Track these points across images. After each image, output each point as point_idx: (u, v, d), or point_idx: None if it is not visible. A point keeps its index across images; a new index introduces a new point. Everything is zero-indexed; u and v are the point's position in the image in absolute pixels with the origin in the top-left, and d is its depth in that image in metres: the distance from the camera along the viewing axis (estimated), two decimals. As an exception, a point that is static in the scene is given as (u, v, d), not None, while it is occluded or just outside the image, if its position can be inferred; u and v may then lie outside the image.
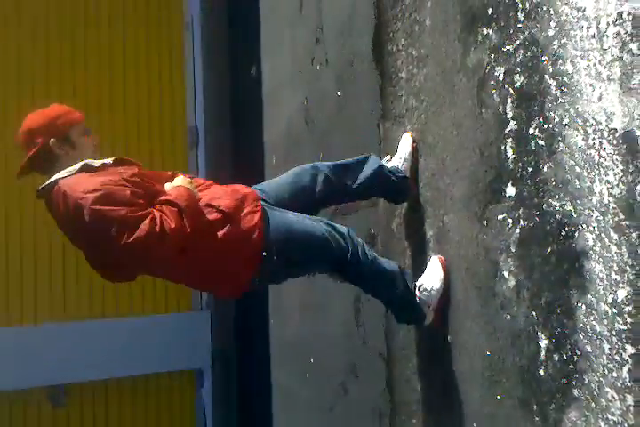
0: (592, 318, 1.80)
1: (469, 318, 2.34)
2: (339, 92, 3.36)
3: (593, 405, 1.79)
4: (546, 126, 1.96)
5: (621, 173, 1.69)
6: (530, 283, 2.04)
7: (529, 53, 2.04)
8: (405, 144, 2.68)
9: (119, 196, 1.97)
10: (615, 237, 1.72)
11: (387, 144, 2.92)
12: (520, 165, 2.09)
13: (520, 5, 2.07)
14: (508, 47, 2.14)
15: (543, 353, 1.98)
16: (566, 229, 1.89)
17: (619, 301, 1.71)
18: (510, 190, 2.14)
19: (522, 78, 2.07)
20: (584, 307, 1.82)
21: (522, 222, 2.08)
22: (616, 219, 1.72)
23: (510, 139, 2.14)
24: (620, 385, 1.71)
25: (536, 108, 2.01)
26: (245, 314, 4.38)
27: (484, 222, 2.26)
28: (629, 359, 1.68)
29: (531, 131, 2.03)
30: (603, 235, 1.76)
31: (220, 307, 4.56)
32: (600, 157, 1.76)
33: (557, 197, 1.92)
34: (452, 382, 2.45)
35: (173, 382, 4.57)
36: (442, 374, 2.50)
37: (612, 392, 1.74)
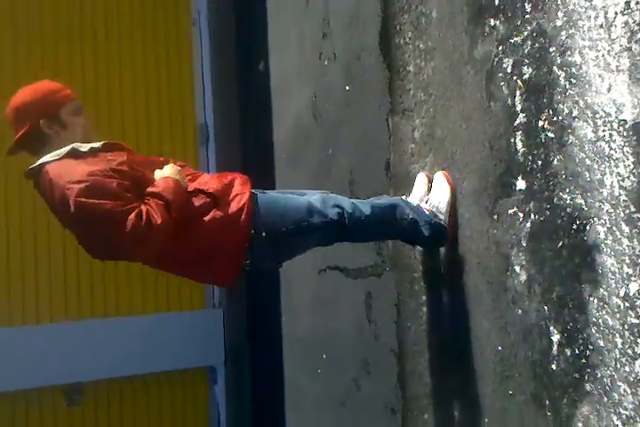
0: (604, 312, 1.78)
1: (481, 313, 2.32)
2: (347, 87, 3.34)
3: (605, 399, 1.77)
4: (555, 119, 1.94)
5: (632, 166, 1.67)
6: (541, 277, 2.02)
7: (537, 44, 2.01)
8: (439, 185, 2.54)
9: (106, 188, 1.92)
10: (627, 229, 1.70)
11: (396, 138, 2.90)
12: (530, 158, 2.06)
13: (527, -4, 2.04)
14: (515, 38, 2.11)
15: (555, 348, 1.96)
16: (577, 222, 1.87)
17: (631, 294, 1.69)
18: (521, 184, 2.11)
19: (530, 70, 2.05)
20: (596, 301, 1.80)
21: (533, 216, 2.06)
22: (627, 211, 1.69)
23: (520, 132, 2.11)
24: (632, 379, 1.69)
25: (545, 100, 1.98)
26: (258, 311, 4.39)
27: (495, 217, 2.24)
28: (642, 354, 1.66)
29: (540, 123, 2.01)
30: (614, 228, 1.74)
31: (232, 304, 4.57)
32: (610, 149, 1.74)
33: (568, 190, 1.90)
34: (464, 378, 2.43)
35: (187, 380, 4.59)
36: (453, 370, 2.49)
37: (624, 386, 1.72)
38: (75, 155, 2.05)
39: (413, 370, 2.75)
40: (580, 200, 1.86)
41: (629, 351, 1.70)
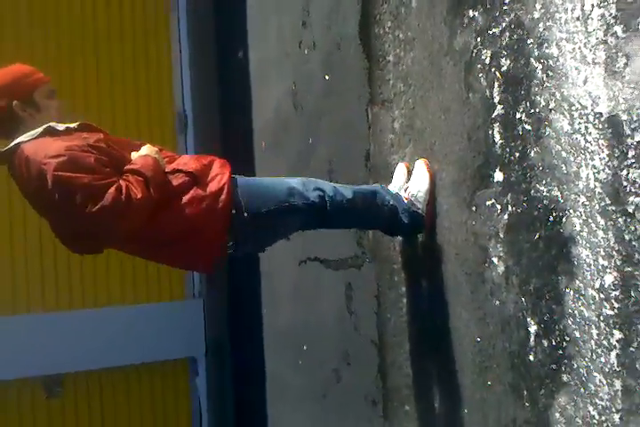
0: (580, 304, 1.79)
1: (460, 305, 2.33)
2: (327, 76, 3.32)
3: (582, 390, 1.79)
4: (532, 111, 1.94)
5: (607, 158, 1.67)
6: (519, 269, 2.03)
7: (515, 36, 2.00)
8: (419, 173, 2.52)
9: (83, 162, 1.89)
10: (602, 222, 1.71)
11: (375, 129, 2.89)
12: (507, 150, 2.06)
13: (505, -13, 2.03)
14: (494, 30, 2.11)
15: (532, 339, 1.97)
16: (554, 214, 1.87)
17: (606, 286, 1.70)
18: (498, 176, 2.12)
19: (508, 62, 2.04)
20: (572, 292, 1.82)
21: (510, 208, 2.07)
22: (602, 204, 1.70)
23: (497, 123, 2.11)
24: (608, 370, 1.71)
25: (522, 92, 1.98)
26: (238, 302, 4.38)
27: (473, 208, 2.25)
28: (617, 344, 1.68)
29: (517, 115, 2.01)
30: (589, 220, 1.75)
31: (212, 295, 4.56)
32: (586, 141, 1.74)
33: (544, 182, 1.91)
34: (444, 369, 2.45)
35: (167, 371, 4.57)
36: (433, 361, 2.51)
37: (600, 377, 1.73)
38: (51, 133, 2.03)
39: (394, 361, 2.77)
40: (556, 192, 1.86)
41: (605, 342, 1.72)
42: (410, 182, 2.51)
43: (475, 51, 2.20)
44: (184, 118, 4.92)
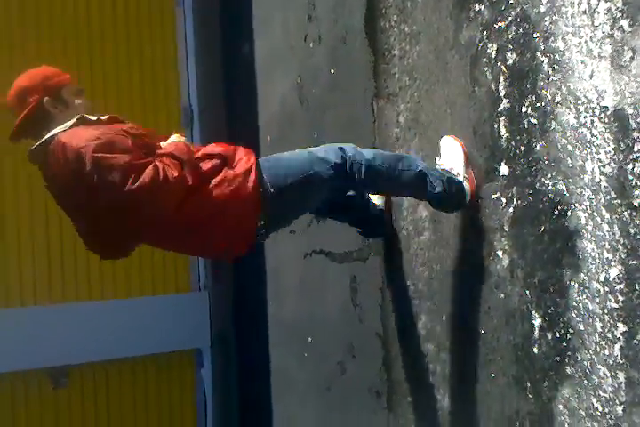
0: (585, 297, 1.80)
1: (464, 297, 2.34)
2: (332, 70, 3.33)
3: (585, 382, 1.81)
4: (538, 104, 1.95)
5: (612, 152, 1.68)
6: (523, 262, 2.04)
7: (521, 30, 2.01)
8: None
9: (121, 144, 1.95)
10: (607, 215, 1.72)
11: (380, 123, 2.90)
12: (513, 143, 2.07)
13: (511, -19, 2.03)
14: (500, 24, 2.11)
15: (537, 331, 1.99)
16: (559, 207, 1.88)
17: (610, 279, 1.71)
18: (504, 169, 2.13)
19: (514, 56, 2.05)
20: (577, 285, 1.83)
21: (515, 201, 2.08)
22: (608, 197, 1.71)
23: (503, 117, 2.12)
24: (612, 363, 1.72)
25: (528, 85, 1.99)
26: (244, 295, 4.40)
27: (478, 202, 2.25)
28: (621, 337, 1.69)
29: (523, 109, 2.02)
30: (595, 213, 1.76)
31: (218, 288, 4.58)
32: (592, 135, 1.75)
33: (550, 175, 1.91)
34: (447, 361, 2.47)
35: (173, 363, 4.60)
36: (437, 353, 2.52)
37: (604, 369, 1.75)
38: (84, 122, 2.08)
39: (398, 354, 2.78)
40: (561, 186, 1.87)
41: (609, 335, 1.73)
42: (441, 159, 2.36)
43: (480, 44, 2.21)
44: (190, 113, 4.93)
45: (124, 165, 1.91)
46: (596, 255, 1.76)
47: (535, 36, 1.94)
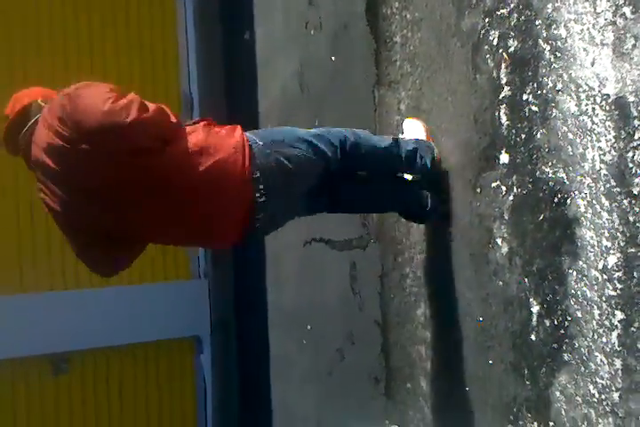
0: (583, 284, 1.81)
1: (463, 285, 2.35)
2: (333, 58, 3.32)
3: (582, 369, 1.82)
4: (539, 92, 1.94)
5: (613, 140, 1.68)
6: (522, 250, 2.05)
7: (523, 17, 2.00)
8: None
9: (97, 86, 1.97)
10: (606, 203, 1.72)
11: (381, 110, 2.90)
12: (514, 131, 2.07)
13: (514, -33, 2.02)
14: (502, 11, 2.10)
15: (535, 319, 2.00)
16: (558, 195, 1.89)
17: (609, 267, 1.72)
18: (504, 157, 2.13)
19: (516, 43, 2.04)
20: (575, 273, 1.83)
21: (515, 190, 2.08)
22: (607, 186, 1.71)
23: (504, 105, 2.11)
24: (609, 350, 1.73)
25: (530, 73, 1.98)
26: (243, 282, 4.41)
27: (478, 190, 2.26)
28: (618, 325, 1.70)
29: (525, 97, 2.01)
30: (594, 202, 1.76)
31: (218, 275, 4.59)
32: (592, 123, 1.75)
33: (550, 163, 1.91)
34: (446, 348, 2.48)
35: (173, 350, 4.62)
36: (435, 341, 2.53)
37: (601, 357, 1.76)
38: None
39: (396, 341, 2.80)
40: (561, 174, 1.87)
41: (607, 322, 1.74)
42: (405, 134, 2.51)
43: (482, 32, 2.20)
44: (190, 99, 4.91)
45: (105, 89, 1.93)
46: (595, 243, 1.76)
47: (537, 23, 1.94)
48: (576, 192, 1.82)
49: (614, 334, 1.71)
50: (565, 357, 1.88)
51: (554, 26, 1.87)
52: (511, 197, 2.09)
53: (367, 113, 2.97)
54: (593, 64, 1.74)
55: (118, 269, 2.15)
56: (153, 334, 4.42)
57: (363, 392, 3.04)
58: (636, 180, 1.62)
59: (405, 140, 2.42)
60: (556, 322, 1.91)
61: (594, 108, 1.74)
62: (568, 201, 1.85)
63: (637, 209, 1.63)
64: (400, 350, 2.76)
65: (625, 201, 1.66)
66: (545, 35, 1.91)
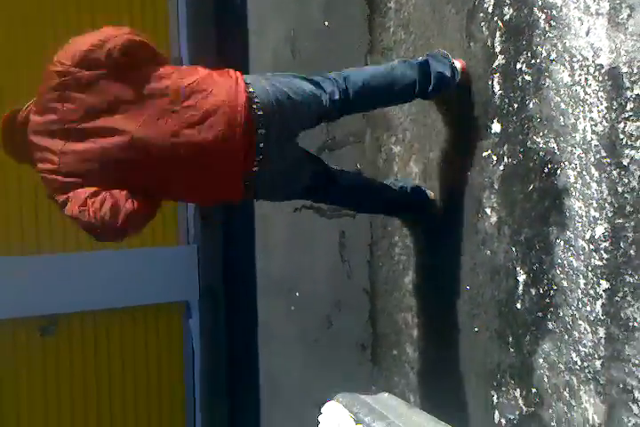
0: (569, 254, 1.83)
1: (450, 254, 2.36)
2: (326, 23, 3.27)
3: (566, 337, 1.85)
4: (533, 61, 1.93)
5: (605, 111, 1.68)
6: (511, 219, 2.06)
7: (519, -16, 1.98)
8: None
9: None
10: (596, 174, 1.73)
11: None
12: (506, 100, 2.06)
13: None
14: (498, -23, 2.07)
15: (521, 288, 2.02)
16: (549, 166, 1.89)
17: (596, 237, 1.74)
18: (496, 127, 2.12)
19: (511, 11, 2.02)
20: (562, 243, 1.85)
21: (506, 159, 2.08)
22: (598, 156, 1.72)
23: (498, 74, 2.10)
24: (592, 319, 1.76)
25: (524, 42, 1.97)
26: (232, 248, 4.42)
27: (469, 159, 2.26)
28: (603, 294, 1.73)
29: (518, 66, 2.00)
30: (584, 172, 1.77)
31: (207, 241, 4.59)
32: (585, 93, 1.74)
33: (542, 133, 1.91)
34: (432, 315, 2.51)
35: (161, 314, 4.64)
36: (422, 308, 2.56)
37: (584, 325, 1.79)
38: None
39: (384, 308, 2.83)
40: (552, 144, 1.87)
41: (591, 292, 1.76)
42: None
43: (478, -1, 2.17)
44: (180, 62, 4.84)
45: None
46: (583, 213, 1.78)
47: (533, -10, 1.91)
48: (566, 162, 1.82)
49: (599, 303, 1.74)
50: (550, 325, 1.91)
51: (550, -6, 1.85)
52: (502, 167, 2.10)
53: (359, 80, 2.94)
54: (587, 34, 1.73)
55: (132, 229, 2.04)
56: (141, 298, 4.44)
57: (349, 359, 3.08)
58: (627, 151, 1.63)
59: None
60: (541, 291, 1.94)
61: (587, 79, 1.74)
62: (558, 171, 1.86)
63: (626, 180, 1.64)
64: (387, 318, 2.80)
65: (614, 172, 1.67)
66: (540, 3, 1.89)
